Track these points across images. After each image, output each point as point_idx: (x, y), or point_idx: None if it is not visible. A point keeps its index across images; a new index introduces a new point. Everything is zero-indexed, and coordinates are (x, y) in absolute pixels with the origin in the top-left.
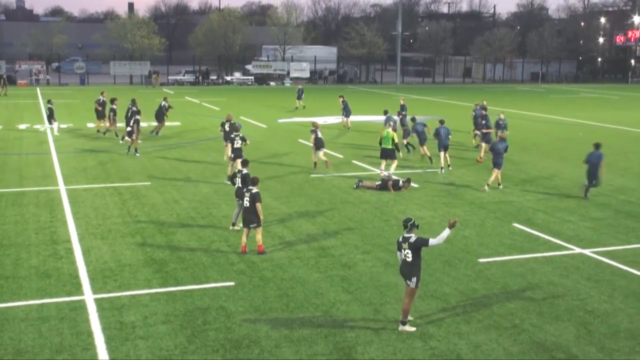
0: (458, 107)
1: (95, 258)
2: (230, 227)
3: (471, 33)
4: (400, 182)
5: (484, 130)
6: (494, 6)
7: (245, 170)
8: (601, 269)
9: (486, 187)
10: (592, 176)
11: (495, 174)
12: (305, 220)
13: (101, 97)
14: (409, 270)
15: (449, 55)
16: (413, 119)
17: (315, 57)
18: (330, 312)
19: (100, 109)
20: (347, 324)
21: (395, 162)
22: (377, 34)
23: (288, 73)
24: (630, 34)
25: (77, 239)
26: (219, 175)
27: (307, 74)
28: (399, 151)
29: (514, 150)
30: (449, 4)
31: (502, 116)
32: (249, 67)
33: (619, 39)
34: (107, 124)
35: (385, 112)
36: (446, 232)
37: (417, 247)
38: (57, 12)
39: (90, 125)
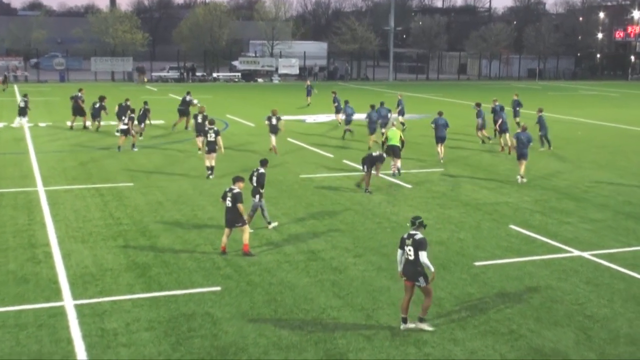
0: (453, 105)
1: (75, 262)
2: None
3: (466, 28)
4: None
5: (497, 125)
6: (490, 0)
7: (262, 170)
8: (600, 272)
9: (519, 178)
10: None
11: (523, 165)
12: (295, 223)
13: (79, 94)
14: (414, 269)
15: (443, 51)
16: (372, 107)
17: (304, 53)
18: (320, 318)
19: (82, 105)
20: (338, 330)
21: (400, 161)
22: (369, 29)
23: (276, 69)
24: (630, 29)
25: (56, 242)
26: (204, 175)
27: (296, 71)
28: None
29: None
30: None
31: (496, 102)
32: (235, 63)
33: (619, 35)
34: (88, 122)
35: (380, 104)
36: (432, 268)
37: (418, 246)
38: (35, 5)
39: (69, 124)
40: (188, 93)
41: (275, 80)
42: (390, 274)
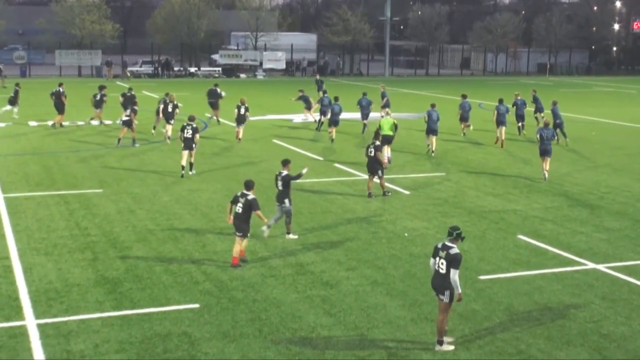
0: (455, 103)
1: (38, 277)
2: (263, 228)
3: (470, 18)
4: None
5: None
6: None
7: (285, 172)
8: (618, 286)
9: (545, 174)
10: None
11: (547, 161)
12: (281, 233)
13: (60, 89)
14: (442, 282)
15: (444, 43)
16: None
17: (292, 45)
18: (309, 338)
19: (65, 101)
20: (329, 350)
21: (389, 149)
22: (362, 20)
23: (261, 64)
24: None
25: (17, 255)
26: (182, 181)
27: (282, 65)
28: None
29: (518, 152)
30: None
31: (519, 97)
32: (215, 56)
33: (637, 26)
34: (59, 118)
35: (362, 95)
36: (460, 290)
37: (451, 262)
38: None
39: (33, 123)
40: (216, 85)
41: (260, 75)
42: (387, 289)
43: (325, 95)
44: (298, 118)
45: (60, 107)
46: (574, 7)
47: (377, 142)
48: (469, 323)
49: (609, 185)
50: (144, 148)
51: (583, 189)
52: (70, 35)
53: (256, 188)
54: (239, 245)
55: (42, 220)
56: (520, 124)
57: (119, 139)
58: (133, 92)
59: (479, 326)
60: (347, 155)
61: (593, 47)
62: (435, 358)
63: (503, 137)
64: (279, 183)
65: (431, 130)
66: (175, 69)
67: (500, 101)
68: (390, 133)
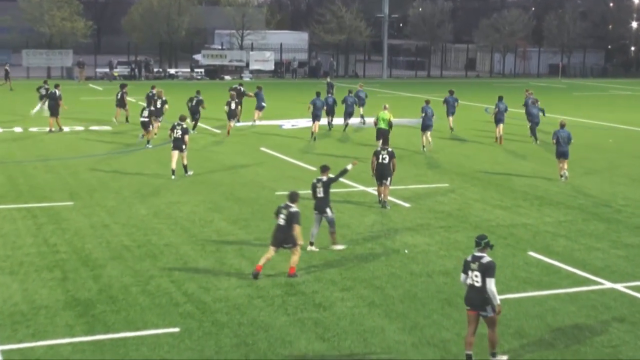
0: (460, 107)
1: (2, 299)
2: (308, 248)
3: (475, 16)
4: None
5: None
6: None
7: (325, 178)
8: (637, 307)
9: (564, 174)
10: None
11: (565, 163)
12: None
13: (56, 91)
14: (481, 297)
15: (447, 42)
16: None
17: (281, 45)
18: None
19: (61, 104)
20: None
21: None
22: (358, 17)
23: (247, 64)
24: None
25: None
26: (160, 193)
27: (271, 66)
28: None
29: (528, 161)
30: None
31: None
32: (198, 57)
33: None
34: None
35: (348, 92)
36: (498, 300)
37: (486, 271)
38: None
39: (18, 129)
40: (241, 85)
41: (246, 77)
42: (385, 311)
43: (330, 95)
44: (288, 124)
45: (54, 110)
46: (588, 3)
47: (389, 148)
48: (474, 348)
49: (627, 197)
50: (119, 156)
51: (599, 202)
52: (38, 34)
53: (242, 200)
54: (296, 256)
55: (7, 236)
56: (530, 124)
57: (148, 140)
58: (154, 92)
59: (486, 351)
60: (340, 165)
61: (609, 46)
62: None
63: (501, 134)
64: (320, 190)
65: (426, 127)
66: (155, 69)
67: (500, 99)
68: (385, 127)
